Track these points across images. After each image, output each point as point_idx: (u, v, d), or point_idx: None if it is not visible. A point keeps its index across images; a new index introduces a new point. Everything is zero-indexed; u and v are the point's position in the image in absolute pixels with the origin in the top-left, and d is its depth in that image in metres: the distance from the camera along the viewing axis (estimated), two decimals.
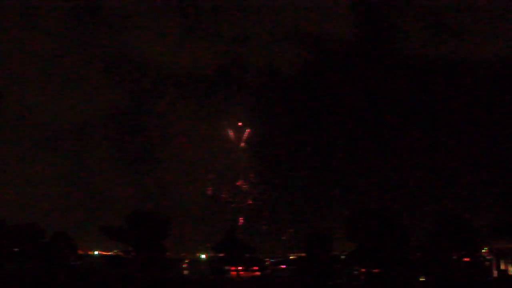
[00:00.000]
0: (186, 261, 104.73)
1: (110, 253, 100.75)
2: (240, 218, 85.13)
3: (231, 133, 59.74)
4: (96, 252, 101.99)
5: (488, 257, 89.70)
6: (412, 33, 50.86)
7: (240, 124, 62.18)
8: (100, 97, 47.32)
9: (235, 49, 47.21)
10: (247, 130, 60.58)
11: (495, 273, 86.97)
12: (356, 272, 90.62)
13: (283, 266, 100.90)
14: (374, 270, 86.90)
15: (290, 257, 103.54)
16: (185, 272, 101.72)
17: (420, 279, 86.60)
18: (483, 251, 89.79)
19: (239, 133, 67.09)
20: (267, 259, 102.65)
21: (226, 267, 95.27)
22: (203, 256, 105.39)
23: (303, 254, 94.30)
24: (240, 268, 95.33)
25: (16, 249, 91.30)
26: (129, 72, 48.50)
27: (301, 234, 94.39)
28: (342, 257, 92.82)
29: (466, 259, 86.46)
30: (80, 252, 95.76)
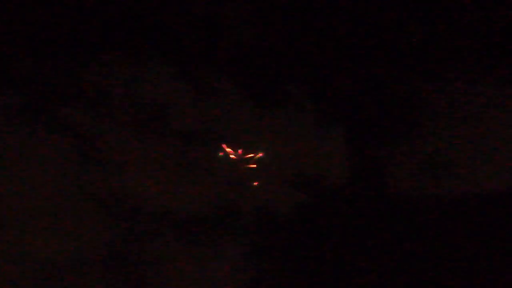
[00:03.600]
0: None
1: None
2: None
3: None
4: None
5: None
6: (402, 173, 50.71)
7: None
8: (94, 236, 47.79)
9: (230, 193, 47.73)
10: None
11: None
12: None
13: None
14: None
15: None
16: None
17: None
18: None
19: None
20: None
21: None
22: None
23: None
24: None
25: None
26: (124, 211, 48.88)
27: None
28: None
29: None
30: None
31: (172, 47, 52.85)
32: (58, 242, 52.51)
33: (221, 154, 53.53)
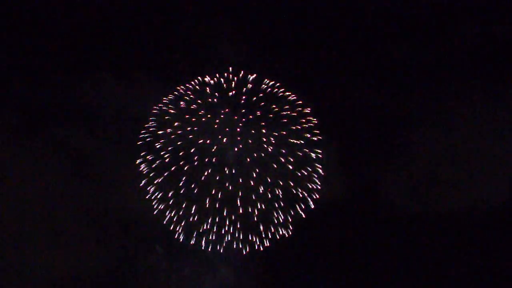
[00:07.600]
0: None
1: None
2: None
3: None
4: None
5: None
6: (396, 191, 51.10)
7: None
8: (86, 255, 48.84)
9: (223, 212, 49.73)
10: None
11: None
12: None
13: None
14: None
15: None
16: None
17: None
18: None
19: None
20: None
21: None
22: None
23: None
24: None
25: None
26: (116, 228, 50.33)
27: None
28: None
29: None
30: None
31: (163, 67, 52.89)
32: (53, 259, 52.63)
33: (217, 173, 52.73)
